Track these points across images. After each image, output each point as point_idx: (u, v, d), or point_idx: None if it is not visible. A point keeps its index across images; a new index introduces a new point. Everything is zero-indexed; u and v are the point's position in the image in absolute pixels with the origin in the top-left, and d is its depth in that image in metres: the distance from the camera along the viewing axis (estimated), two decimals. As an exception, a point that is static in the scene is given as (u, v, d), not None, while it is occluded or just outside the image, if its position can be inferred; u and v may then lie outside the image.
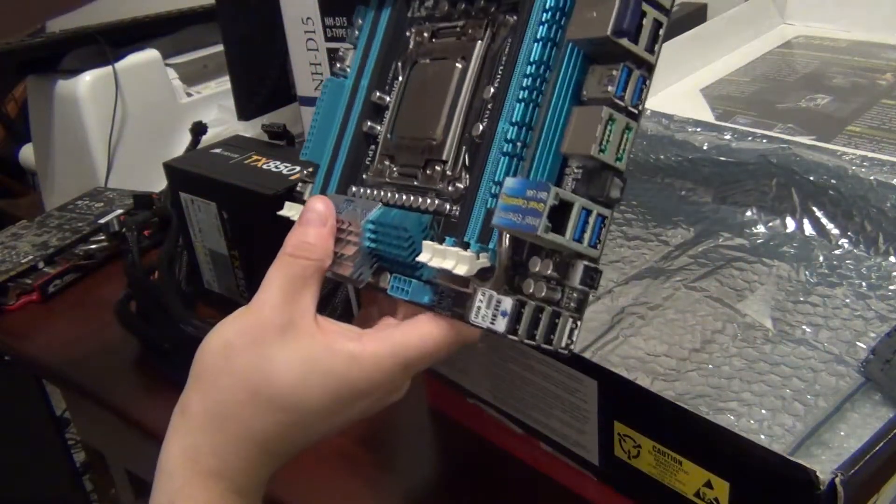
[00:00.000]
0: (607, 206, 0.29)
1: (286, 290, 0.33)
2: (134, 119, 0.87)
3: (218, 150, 0.63)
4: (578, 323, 0.30)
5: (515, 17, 0.34)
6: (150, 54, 0.90)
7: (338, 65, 0.42)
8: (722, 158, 0.56)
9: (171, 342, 0.57)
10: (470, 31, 0.35)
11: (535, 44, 0.30)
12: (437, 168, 0.35)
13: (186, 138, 0.81)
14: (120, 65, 0.86)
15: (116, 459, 0.86)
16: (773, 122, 0.60)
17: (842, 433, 0.39)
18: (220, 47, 0.78)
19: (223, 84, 0.93)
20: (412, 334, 0.32)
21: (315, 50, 0.69)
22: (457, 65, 0.35)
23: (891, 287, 0.47)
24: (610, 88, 0.28)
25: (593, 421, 0.39)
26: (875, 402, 0.40)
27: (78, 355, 0.63)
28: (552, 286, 0.29)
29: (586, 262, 0.28)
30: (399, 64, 0.39)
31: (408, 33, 0.39)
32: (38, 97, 0.90)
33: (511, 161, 0.30)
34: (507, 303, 0.29)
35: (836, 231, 0.51)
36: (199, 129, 0.79)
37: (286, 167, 0.57)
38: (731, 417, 0.40)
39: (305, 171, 0.42)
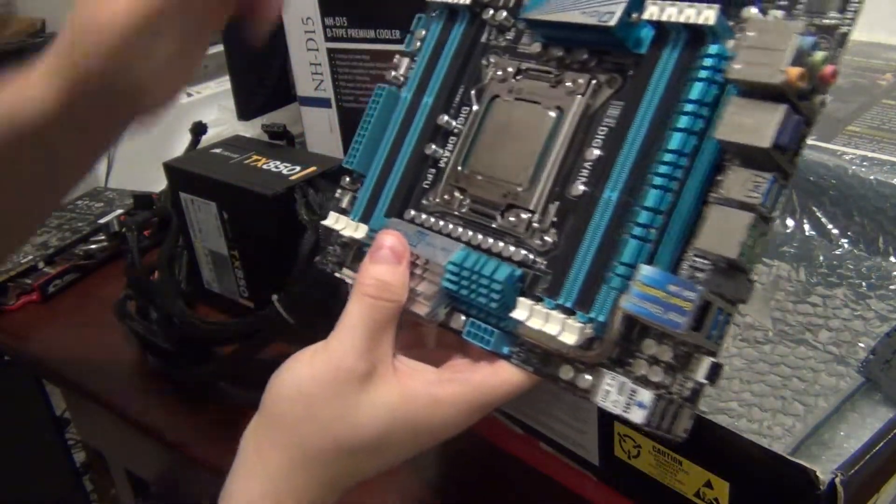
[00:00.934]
0: (733, 305, 0.29)
1: (369, 335, 0.32)
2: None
3: (218, 150, 0.63)
4: (695, 413, 0.30)
5: (621, 80, 0.33)
6: (150, 54, 0.90)
7: (392, 73, 0.41)
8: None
9: (171, 342, 0.57)
10: (569, 83, 0.34)
11: (676, 133, 0.30)
12: (523, 216, 0.34)
13: (186, 138, 0.81)
14: (120, 65, 0.86)
15: (116, 459, 0.86)
16: (773, 122, 0.60)
17: (842, 433, 0.39)
18: (220, 47, 0.78)
19: (223, 84, 0.93)
20: (492, 381, 0.33)
21: (315, 50, 0.69)
22: (550, 114, 0.34)
23: (891, 287, 0.47)
24: (756, 195, 0.27)
25: (593, 421, 0.39)
26: (875, 402, 0.40)
27: (78, 355, 0.63)
28: (668, 371, 0.29)
29: (713, 359, 0.28)
30: (473, 92, 0.38)
31: (484, 61, 0.38)
32: (38, 97, 0.90)
33: (641, 245, 0.30)
34: (647, 396, 0.29)
35: (836, 231, 0.51)
36: (199, 129, 0.79)
37: (286, 167, 0.57)
38: (731, 418, 0.40)
39: (347, 179, 0.41)
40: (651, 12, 0.31)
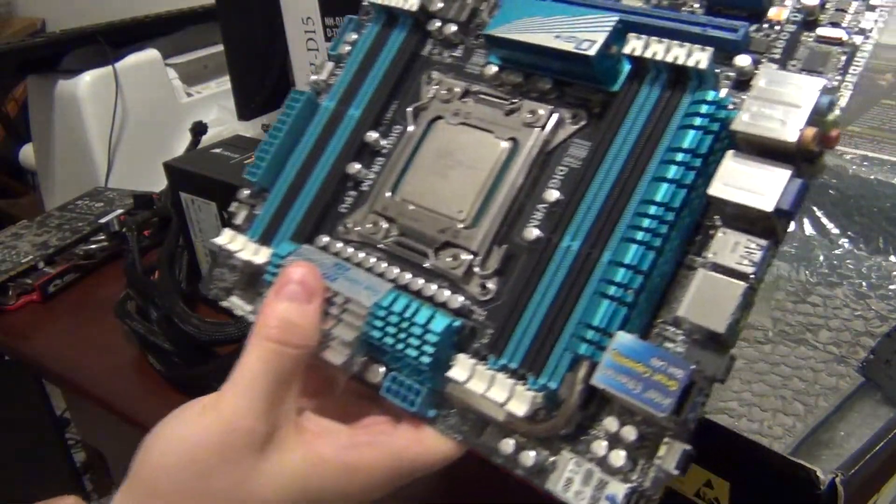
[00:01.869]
0: (710, 384, 0.25)
1: (271, 389, 0.27)
2: (134, 119, 0.87)
3: (218, 150, 0.63)
4: None
5: (587, 117, 0.30)
6: (150, 54, 0.90)
7: (312, 77, 0.36)
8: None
9: (171, 342, 0.57)
10: (527, 113, 0.31)
11: (664, 184, 0.26)
12: (463, 257, 0.30)
13: (186, 138, 0.82)
14: (120, 65, 0.86)
15: (116, 459, 0.86)
16: (773, 122, 0.60)
17: (842, 433, 0.39)
18: (220, 47, 0.78)
19: (223, 84, 0.93)
20: (416, 449, 0.28)
21: (315, 50, 0.69)
22: (503, 145, 0.31)
23: (891, 287, 0.47)
24: (748, 263, 0.25)
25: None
26: (875, 402, 0.40)
27: (78, 355, 0.63)
28: (631, 456, 0.25)
29: (685, 446, 0.25)
30: (409, 110, 0.33)
31: (423, 77, 0.34)
32: (38, 97, 0.90)
33: (616, 308, 0.26)
34: (620, 491, 0.25)
35: (836, 231, 0.51)
36: (199, 129, 0.79)
37: (286, 167, 0.57)
38: (731, 417, 0.40)
39: (246, 193, 0.36)
40: (633, 47, 0.28)
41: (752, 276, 0.25)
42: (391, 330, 0.28)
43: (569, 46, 0.29)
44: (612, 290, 0.26)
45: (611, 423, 0.26)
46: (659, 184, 0.26)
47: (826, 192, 0.52)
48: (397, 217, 0.32)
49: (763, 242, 0.25)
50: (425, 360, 0.28)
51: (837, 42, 0.28)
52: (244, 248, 0.34)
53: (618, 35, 0.29)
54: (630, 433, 0.25)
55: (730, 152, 0.26)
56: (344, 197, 0.34)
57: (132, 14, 0.98)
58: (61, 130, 0.89)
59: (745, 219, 0.25)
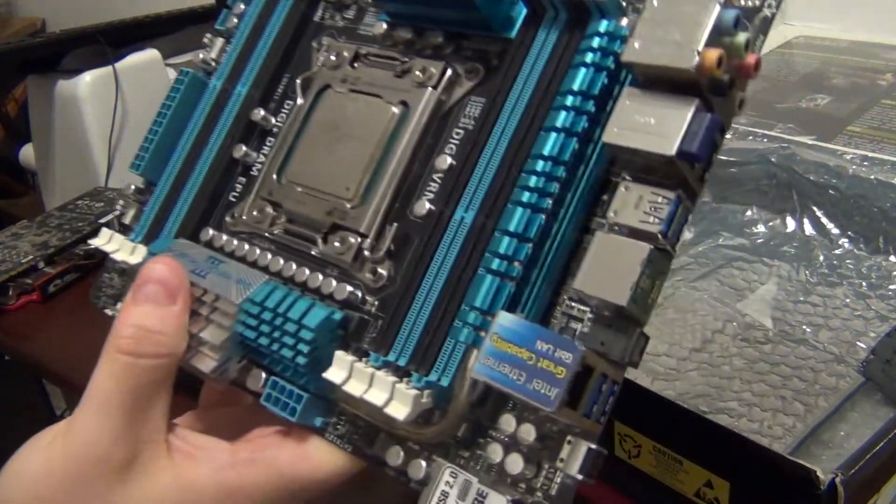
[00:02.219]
0: (620, 369, 0.22)
1: (128, 408, 0.23)
2: (134, 119, 0.87)
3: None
4: None
5: (483, 71, 0.26)
6: (150, 54, 0.90)
7: (201, 55, 0.32)
8: (722, 158, 0.56)
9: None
10: (417, 71, 0.27)
11: (552, 134, 0.23)
12: (351, 240, 0.26)
13: (186, 138, 0.81)
14: (120, 65, 0.86)
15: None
16: (773, 122, 0.60)
17: (842, 433, 0.39)
18: (220, 47, 0.78)
19: (223, 84, 0.93)
20: (303, 466, 0.25)
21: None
22: (393, 110, 0.27)
23: (891, 287, 0.47)
24: (654, 221, 0.21)
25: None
26: (875, 402, 0.40)
27: (78, 355, 0.63)
28: (530, 460, 0.22)
29: (590, 444, 0.21)
30: (298, 82, 0.30)
31: (314, 44, 0.30)
32: (38, 97, 0.90)
33: (502, 284, 0.22)
34: (501, 503, 0.22)
35: (836, 231, 0.51)
36: (199, 129, 0.79)
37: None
38: (731, 417, 0.40)
39: (133, 187, 0.32)
40: None
41: (659, 235, 0.21)
42: (265, 328, 0.25)
43: None
44: (495, 264, 0.22)
45: (507, 421, 0.22)
46: (546, 134, 0.23)
47: (826, 192, 0.52)
48: (283, 202, 0.28)
49: (670, 195, 0.21)
50: (301, 360, 0.24)
51: None
52: (120, 248, 0.30)
53: None
54: (528, 433, 0.22)
55: (625, 90, 0.22)
56: (234, 185, 0.30)
57: (132, 14, 0.98)
58: (61, 130, 0.89)
59: (648, 169, 0.22)
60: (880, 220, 0.49)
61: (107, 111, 0.85)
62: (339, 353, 0.24)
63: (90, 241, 0.31)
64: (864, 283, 0.47)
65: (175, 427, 0.25)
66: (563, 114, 0.23)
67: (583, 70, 0.23)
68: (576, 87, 0.23)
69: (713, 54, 0.20)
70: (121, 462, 0.23)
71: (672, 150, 0.20)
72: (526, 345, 0.21)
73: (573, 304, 0.23)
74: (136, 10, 1.00)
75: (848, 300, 0.46)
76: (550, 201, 0.22)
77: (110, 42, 0.87)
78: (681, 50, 0.20)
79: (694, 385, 0.42)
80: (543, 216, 0.22)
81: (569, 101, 0.23)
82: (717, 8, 0.20)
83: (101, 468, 0.23)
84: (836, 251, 0.50)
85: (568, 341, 0.20)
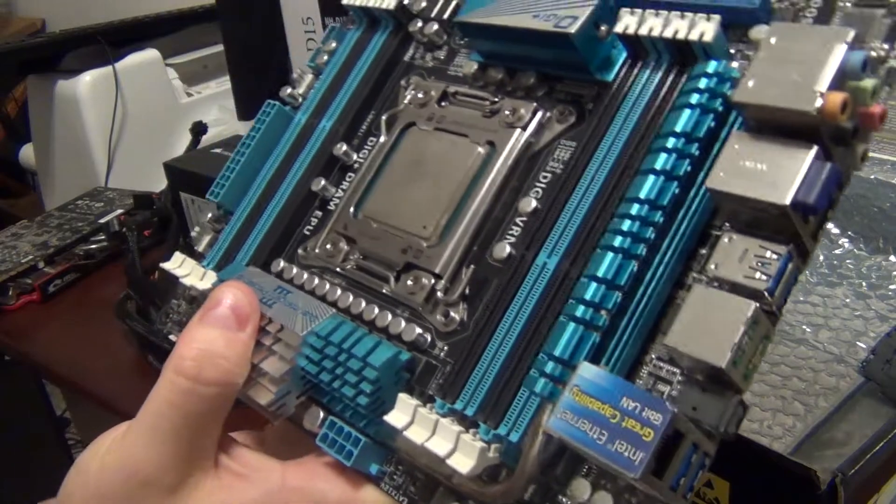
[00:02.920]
0: (713, 440, 0.20)
1: (181, 436, 0.23)
2: (134, 119, 0.87)
3: (218, 150, 0.63)
4: None
5: (576, 115, 0.25)
6: (150, 54, 0.90)
7: (288, 90, 0.33)
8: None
9: (171, 342, 0.57)
10: (507, 111, 0.26)
11: (650, 176, 0.21)
12: (424, 281, 0.25)
13: (186, 138, 0.81)
14: (120, 65, 0.86)
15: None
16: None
17: (842, 433, 0.39)
18: (220, 47, 0.78)
19: (223, 84, 0.93)
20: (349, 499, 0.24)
21: (315, 50, 0.69)
22: (479, 150, 0.26)
23: (891, 287, 0.47)
24: (761, 277, 0.19)
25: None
26: (875, 402, 0.40)
27: (78, 355, 0.63)
28: None
29: None
30: (383, 119, 0.29)
31: (402, 82, 0.30)
32: (38, 97, 0.90)
33: (586, 333, 0.20)
34: None
35: (836, 231, 0.51)
36: (199, 129, 0.79)
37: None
38: (731, 417, 0.40)
39: (210, 216, 0.32)
40: (626, 24, 0.23)
41: (765, 292, 0.19)
42: (328, 364, 0.24)
43: (547, 26, 0.24)
44: (580, 311, 0.21)
45: (581, 486, 0.20)
46: (644, 177, 0.21)
47: (826, 192, 0.52)
48: (358, 237, 0.28)
49: (781, 249, 0.19)
50: (362, 400, 0.23)
51: (881, 5, 0.21)
52: (191, 273, 0.30)
53: (607, 10, 0.24)
54: (604, 502, 0.20)
55: (734, 133, 0.20)
56: (311, 218, 0.30)
57: (132, 14, 0.98)
58: (61, 130, 0.89)
59: (757, 221, 0.20)
60: (880, 219, 0.49)
61: (107, 111, 0.85)
62: (402, 396, 0.23)
63: (163, 265, 0.31)
64: (863, 283, 0.47)
65: (227, 443, 0.25)
66: (663, 156, 0.21)
67: (687, 111, 0.21)
68: (679, 128, 0.21)
69: (837, 97, 0.18)
70: (169, 486, 0.23)
71: (786, 199, 0.18)
72: (610, 401, 0.19)
73: (662, 363, 0.21)
74: (136, 10, 1.00)
75: (848, 300, 0.46)
76: (644, 247, 0.21)
77: (110, 42, 0.87)
78: (801, 91, 0.18)
79: (694, 385, 0.42)
80: (636, 263, 0.21)
81: (670, 142, 0.21)
82: (844, 47, 0.18)
83: (148, 490, 0.23)
84: (836, 251, 0.50)
85: (658, 401, 0.18)
